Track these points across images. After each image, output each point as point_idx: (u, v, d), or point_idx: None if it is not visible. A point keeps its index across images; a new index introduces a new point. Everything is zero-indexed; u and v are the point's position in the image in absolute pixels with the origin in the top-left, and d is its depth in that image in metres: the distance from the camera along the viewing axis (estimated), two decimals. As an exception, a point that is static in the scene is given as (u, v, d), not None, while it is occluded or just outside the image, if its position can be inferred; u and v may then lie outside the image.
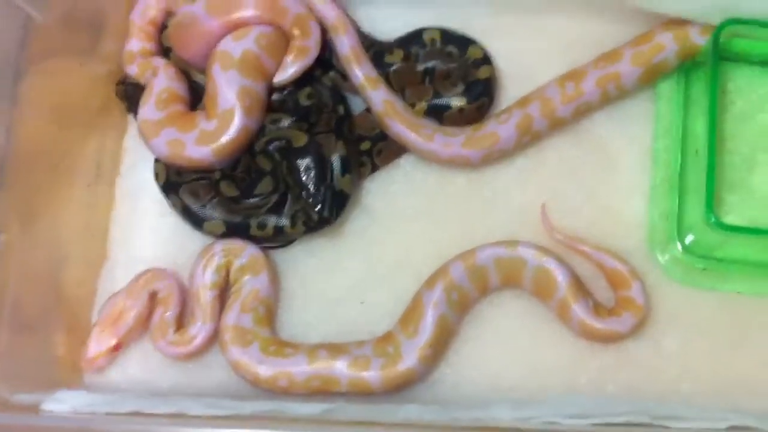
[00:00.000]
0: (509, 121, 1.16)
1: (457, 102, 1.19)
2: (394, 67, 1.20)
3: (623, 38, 1.17)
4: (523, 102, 1.16)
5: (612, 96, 1.17)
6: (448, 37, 1.22)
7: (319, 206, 1.11)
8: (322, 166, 1.12)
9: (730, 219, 1.12)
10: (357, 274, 1.16)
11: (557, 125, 1.17)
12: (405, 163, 1.20)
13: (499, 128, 1.16)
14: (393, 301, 1.13)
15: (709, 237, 1.10)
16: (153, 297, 1.13)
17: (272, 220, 1.12)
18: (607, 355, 1.11)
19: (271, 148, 1.15)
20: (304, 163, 1.12)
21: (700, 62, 1.16)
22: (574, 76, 1.16)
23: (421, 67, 1.21)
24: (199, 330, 1.12)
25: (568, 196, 1.17)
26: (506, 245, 1.12)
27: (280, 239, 1.14)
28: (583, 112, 1.17)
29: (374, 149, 1.19)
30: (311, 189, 1.11)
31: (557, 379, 1.11)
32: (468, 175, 1.21)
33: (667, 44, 1.14)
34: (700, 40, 1.14)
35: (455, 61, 1.21)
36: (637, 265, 1.13)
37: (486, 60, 1.21)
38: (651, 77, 1.17)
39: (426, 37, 1.22)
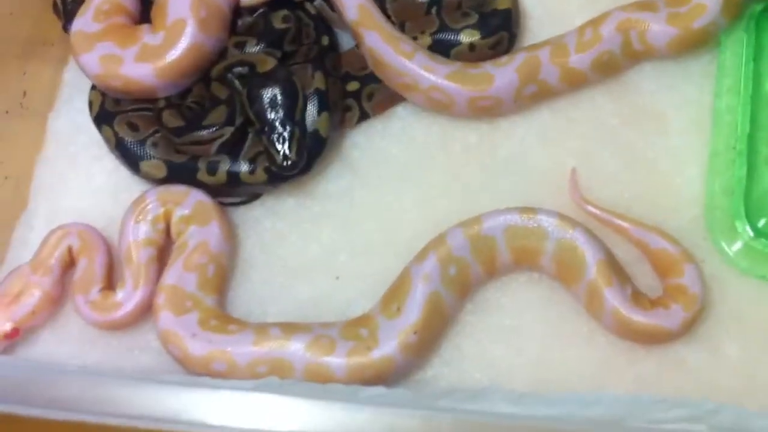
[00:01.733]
0: (510, 63, 0.94)
1: (468, 36, 0.96)
2: None
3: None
4: (534, 46, 0.97)
5: (638, 52, 0.97)
6: None
7: (285, 146, 0.89)
8: (292, 97, 0.91)
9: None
10: (333, 243, 0.96)
11: (574, 80, 0.97)
12: (402, 112, 1.01)
13: (497, 71, 0.94)
14: (375, 278, 0.92)
15: None
16: (68, 260, 0.90)
17: (226, 163, 0.92)
18: (648, 360, 0.89)
19: (229, 75, 0.92)
20: (269, 91, 0.90)
21: None
22: (597, 19, 0.96)
23: None
24: (128, 296, 0.89)
25: (604, 161, 0.97)
26: (521, 211, 0.91)
27: (236, 189, 0.95)
28: (605, 66, 0.97)
29: (364, 92, 1.00)
30: (276, 125, 0.89)
31: (582, 387, 0.89)
32: (479, 129, 1.00)
33: (709, 4, 0.94)
34: None
35: None
36: (690, 248, 0.93)
37: None
38: (687, 45, 0.97)
39: None
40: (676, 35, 0.96)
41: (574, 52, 0.95)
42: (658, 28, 0.95)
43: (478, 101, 0.94)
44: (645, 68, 1.01)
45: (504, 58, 0.96)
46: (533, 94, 0.96)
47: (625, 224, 0.93)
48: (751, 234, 0.93)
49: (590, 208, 0.94)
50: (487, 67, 0.95)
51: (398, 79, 0.95)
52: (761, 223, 0.93)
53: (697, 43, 0.98)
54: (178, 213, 0.92)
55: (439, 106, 0.96)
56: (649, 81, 1.01)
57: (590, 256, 0.88)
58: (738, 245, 0.93)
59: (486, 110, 0.96)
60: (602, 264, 0.88)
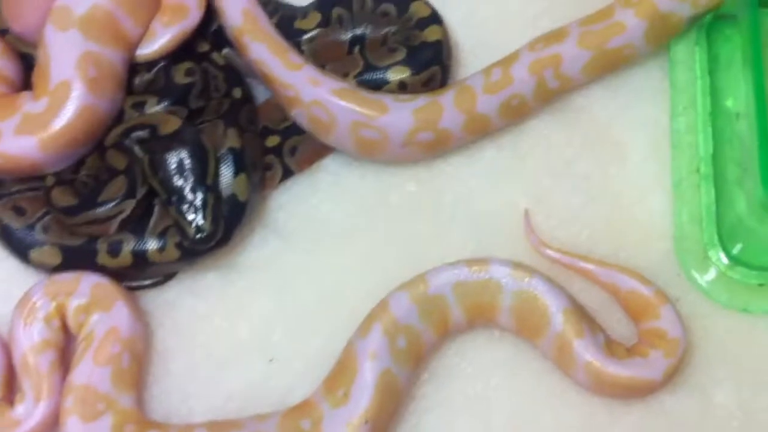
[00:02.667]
0: (409, 102, 0.85)
1: (397, 74, 0.87)
2: (308, 35, 0.91)
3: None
4: (439, 91, 0.87)
5: (554, 90, 0.88)
6: None
7: (197, 216, 0.79)
8: (202, 159, 0.81)
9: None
10: (263, 321, 0.86)
11: (478, 128, 0.88)
12: (331, 164, 0.91)
13: (393, 105, 0.85)
14: (316, 357, 0.83)
15: (766, 235, 0.82)
16: None
17: (130, 242, 0.82)
18: (631, 415, 0.82)
19: (127, 141, 0.81)
20: (174, 155, 0.80)
21: (722, 14, 0.92)
22: (507, 60, 0.88)
23: (347, 35, 0.91)
24: (29, 411, 0.78)
25: (560, 198, 0.90)
26: (470, 264, 0.82)
27: (145, 271, 0.84)
28: (513, 111, 0.88)
29: (285, 146, 0.90)
30: (186, 192, 0.79)
31: (561, 456, 0.81)
32: (418, 176, 0.91)
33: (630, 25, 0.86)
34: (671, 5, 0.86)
35: (393, 23, 0.90)
36: (664, 286, 0.85)
37: (435, 18, 0.91)
38: (603, 69, 0.89)
39: None
40: (590, 58, 0.87)
41: (481, 93, 0.86)
42: (570, 55, 0.86)
43: (361, 128, 0.84)
44: (594, 91, 0.93)
45: (406, 96, 0.86)
46: (428, 143, 0.86)
47: (589, 266, 0.85)
48: (726, 262, 0.85)
49: (550, 252, 0.85)
50: (386, 98, 0.85)
51: (283, 91, 0.85)
52: (736, 249, 0.85)
53: (613, 66, 0.90)
54: (74, 303, 0.80)
55: (319, 127, 0.85)
56: (599, 105, 0.93)
57: (554, 305, 0.79)
58: (713, 275, 0.86)
59: (368, 144, 0.85)
60: (569, 313, 0.79)
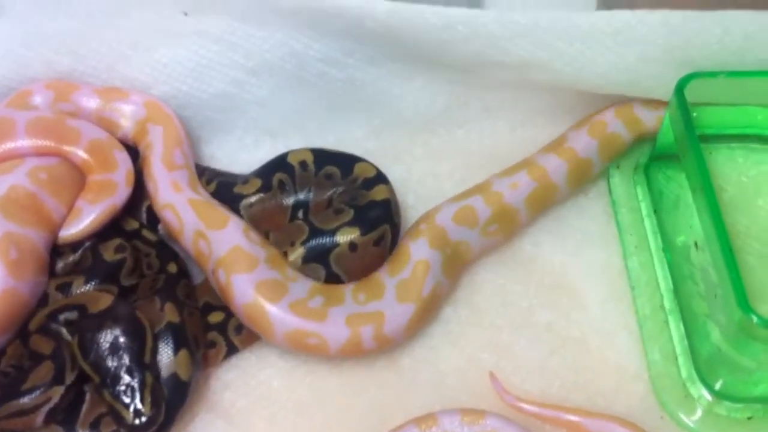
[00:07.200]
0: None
1: (345, 235, 0.82)
2: (247, 201, 0.87)
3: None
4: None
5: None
6: (323, 157, 0.89)
7: (135, 400, 0.71)
8: (138, 337, 0.74)
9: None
10: None
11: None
12: None
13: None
14: None
15: (748, 364, 0.77)
16: None
17: None
18: None
19: (54, 324, 0.73)
20: (107, 334, 0.73)
21: (660, 155, 0.92)
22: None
23: (289, 200, 0.88)
24: None
25: (524, 350, 0.86)
26: (419, 422, 0.77)
27: None
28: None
29: (230, 323, 0.83)
30: (121, 374, 0.72)
31: None
32: None
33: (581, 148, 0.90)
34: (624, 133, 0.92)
35: (338, 185, 0.87)
36: (650, 430, 0.79)
37: (381, 178, 0.88)
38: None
39: (292, 160, 0.88)
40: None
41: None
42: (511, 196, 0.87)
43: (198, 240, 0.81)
44: (540, 239, 0.91)
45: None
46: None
47: (574, 418, 0.78)
48: (710, 398, 0.80)
49: (528, 407, 0.79)
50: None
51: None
52: (718, 385, 0.79)
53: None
54: None
55: (170, 229, 0.84)
56: (549, 253, 0.91)
57: None
58: (698, 414, 0.81)
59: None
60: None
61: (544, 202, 0.89)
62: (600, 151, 0.91)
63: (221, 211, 0.82)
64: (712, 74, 0.86)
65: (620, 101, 0.93)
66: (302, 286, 0.79)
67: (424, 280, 0.81)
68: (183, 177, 0.84)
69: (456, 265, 0.85)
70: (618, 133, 0.91)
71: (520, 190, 0.87)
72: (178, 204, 0.82)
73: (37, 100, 0.87)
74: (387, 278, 0.82)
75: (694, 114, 0.86)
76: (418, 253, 0.83)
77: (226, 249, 0.79)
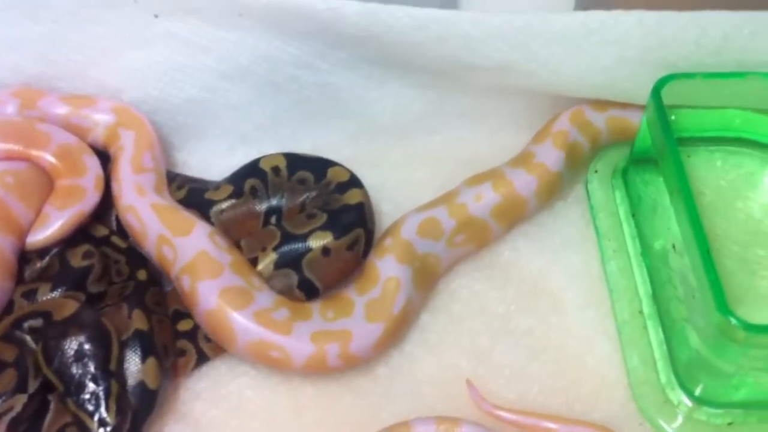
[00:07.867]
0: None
1: (318, 240, 0.81)
2: (218, 208, 0.85)
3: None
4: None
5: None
6: (296, 162, 0.88)
7: (100, 409, 0.69)
8: (103, 343, 0.72)
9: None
10: None
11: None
12: None
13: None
14: None
15: (727, 368, 0.75)
16: None
17: None
18: None
19: (18, 332, 0.72)
20: (71, 341, 0.71)
21: (638, 160, 0.91)
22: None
23: (261, 206, 0.86)
24: None
25: (502, 356, 0.84)
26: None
27: None
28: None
29: (200, 331, 0.81)
30: (86, 382, 0.70)
31: None
32: None
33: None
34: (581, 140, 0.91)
35: (311, 189, 0.86)
36: None
37: (354, 182, 0.87)
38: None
39: (265, 165, 0.87)
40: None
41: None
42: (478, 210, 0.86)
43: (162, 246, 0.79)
44: (518, 244, 0.90)
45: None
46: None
47: (552, 425, 0.77)
48: (690, 404, 0.79)
49: (505, 415, 0.78)
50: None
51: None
52: (698, 390, 0.78)
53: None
54: None
55: (132, 233, 0.82)
56: (527, 258, 0.90)
57: None
58: (679, 421, 0.79)
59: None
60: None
61: (512, 215, 0.88)
62: (567, 162, 0.89)
63: (186, 216, 0.81)
64: (689, 75, 0.85)
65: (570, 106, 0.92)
66: (268, 296, 0.78)
67: (395, 298, 0.79)
68: (149, 181, 0.82)
69: (426, 277, 0.84)
70: (578, 141, 0.90)
71: (484, 203, 0.85)
72: (141, 207, 0.80)
73: (3, 108, 0.86)
74: (356, 296, 0.80)
75: (672, 117, 0.85)
76: (387, 270, 0.81)
77: (192, 255, 0.78)
